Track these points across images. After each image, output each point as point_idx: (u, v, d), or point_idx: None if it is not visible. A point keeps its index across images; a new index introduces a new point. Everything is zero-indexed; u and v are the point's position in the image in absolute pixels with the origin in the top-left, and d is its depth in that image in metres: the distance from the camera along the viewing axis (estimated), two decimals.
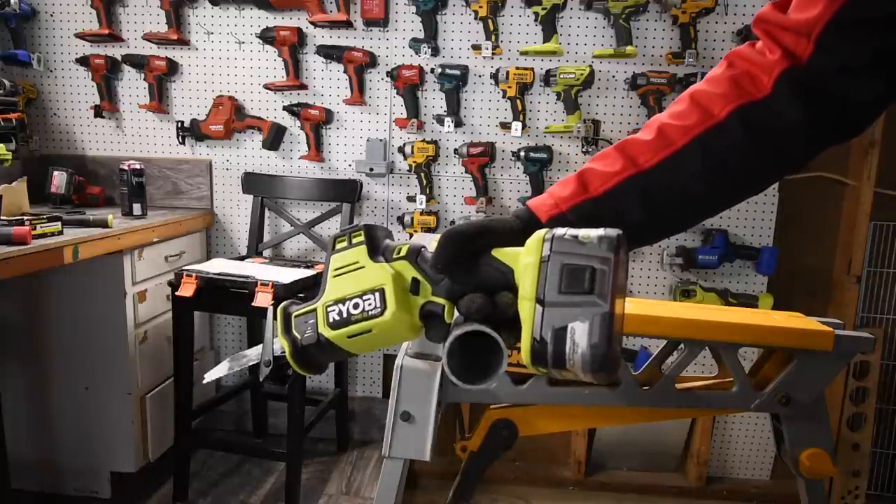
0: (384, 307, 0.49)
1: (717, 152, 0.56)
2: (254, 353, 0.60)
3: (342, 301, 0.51)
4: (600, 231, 0.43)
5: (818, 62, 0.53)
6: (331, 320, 0.51)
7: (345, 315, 0.51)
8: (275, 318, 0.55)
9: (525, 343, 0.43)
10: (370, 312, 0.50)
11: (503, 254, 0.48)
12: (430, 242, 0.51)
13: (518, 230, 0.53)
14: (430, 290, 0.50)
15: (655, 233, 0.61)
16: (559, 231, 0.44)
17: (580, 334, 0.41)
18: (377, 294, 0.50)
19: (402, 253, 0.51)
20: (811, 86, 0.54)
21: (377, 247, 0.53)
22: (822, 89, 0.54)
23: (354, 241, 0.53)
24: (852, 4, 0.50)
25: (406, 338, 0.52)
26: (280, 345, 0.54)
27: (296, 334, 0.53)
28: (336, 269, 0.53)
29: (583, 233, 0.43)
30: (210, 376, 0.66)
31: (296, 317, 0.54)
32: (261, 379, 0.56)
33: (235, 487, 2.14)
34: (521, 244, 0.46)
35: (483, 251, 0.49)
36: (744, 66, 0.57)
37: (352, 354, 0.53)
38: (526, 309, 0.43)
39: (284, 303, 0.56)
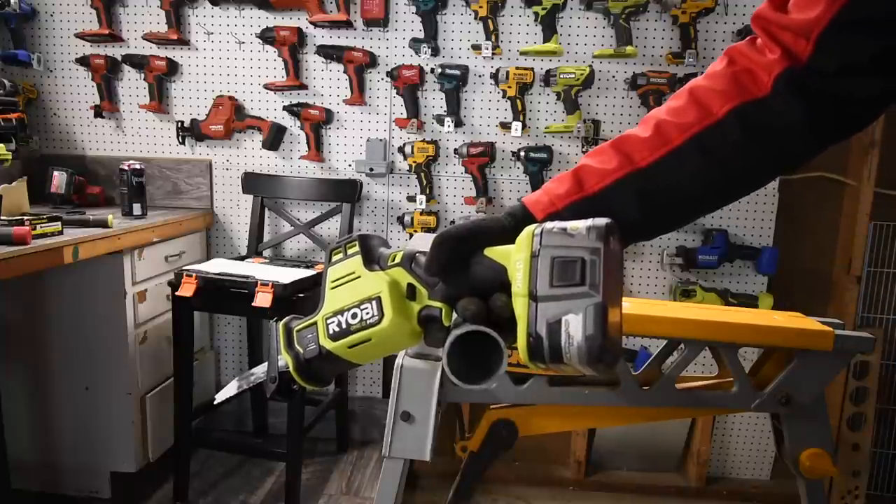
0: (381, 315, 0.50)
1: (715, 151, 0.56)
2: (261, 371, 0.61)
3: (341, 312, 0.52)
4: (589, 221, 0.42)
5: (817, 62, 0.53)
6: (331, 332, 0.52)
7: (344, 326, 0.51)
8: (278, 333, 0.56)
9: (521, 339, 0.43)
10: (368, 321, 0.50)
11: (496, 252, 0.48)
12: (428, 244, 0.51)
13: (511, 228, 0.52)
14: (426, 295, 0.50)
15: (652, 230, 0.61)
16: (548, 225, 0.44)
17: (574, 327, 0.40)
18: (374, 302, 0.50)
19: (397, 260, 0.52)
20: (811, 85, 0.54)
21: (372, 256, 0.53)
22: (822, 89, 0.54)
23: (350, 251, 0.54)
24: (852, 5, 0.50)
25: (406, 344, 0.52)
26: (284, 360, 0.55)
27: (298, 348, 0.54)
28: (333, 281, 0.53)
29: (571, 225, 0.43)
30: (220, 396, 0.69)
31: (297, 331, 0.54)
32: (268, 395, 0.57)
33: (235, 487, 2.14)
34: (514, 242, 0.46)
35: (476, 251, 0.49)
36: (744, 62, 0.57)
37: (354, 365, 0.54)
38: (520, 305, 0.43)
39: (286, 318, 0.57)
